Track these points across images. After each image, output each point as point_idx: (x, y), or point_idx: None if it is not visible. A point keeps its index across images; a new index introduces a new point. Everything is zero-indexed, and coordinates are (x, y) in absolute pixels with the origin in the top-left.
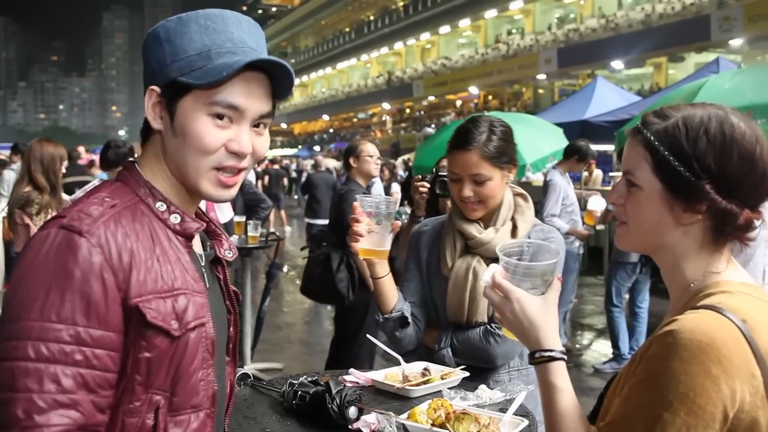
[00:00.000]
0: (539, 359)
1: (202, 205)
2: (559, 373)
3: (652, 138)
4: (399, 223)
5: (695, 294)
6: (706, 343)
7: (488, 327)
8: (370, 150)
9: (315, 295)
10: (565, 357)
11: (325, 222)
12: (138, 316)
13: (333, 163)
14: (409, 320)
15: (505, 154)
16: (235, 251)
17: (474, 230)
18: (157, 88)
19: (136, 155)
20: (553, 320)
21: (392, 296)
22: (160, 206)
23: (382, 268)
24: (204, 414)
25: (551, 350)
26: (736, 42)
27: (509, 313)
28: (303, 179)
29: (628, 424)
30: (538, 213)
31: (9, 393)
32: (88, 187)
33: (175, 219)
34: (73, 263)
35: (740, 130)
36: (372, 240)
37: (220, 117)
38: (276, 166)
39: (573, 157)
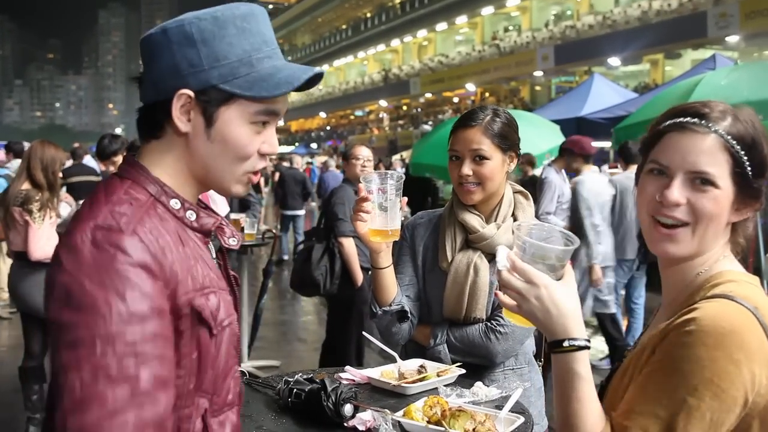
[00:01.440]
0: (569, 348)
1: None
2: (585, 362)
3: (730, 138)
4: (406, 199)
5: (703, 284)
6: (728, 330)
7: (489, 324)
8: (356, 153)
9: (297, 287)
10: (590, 345)
11: (295, 213)
12: (191, 313)
13: (323, 159)
14: (409, 315)
15: (508, 139)
16: (239, 237)
17: (476, 223)
18: (189, 92)
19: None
20: (579, 307)
21: (392, 289)
22: (174, 204)
23: (386, 258)
24: (236, 410)
25: (578, 339)
26: (733, 38)
27: (534, 300)
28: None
29: (650, 411)
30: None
31: (98, 397)
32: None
33: (191, 216)
34: (122, 260)
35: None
36: (380, 220)
37: (261, 123)
38: (285, 164)
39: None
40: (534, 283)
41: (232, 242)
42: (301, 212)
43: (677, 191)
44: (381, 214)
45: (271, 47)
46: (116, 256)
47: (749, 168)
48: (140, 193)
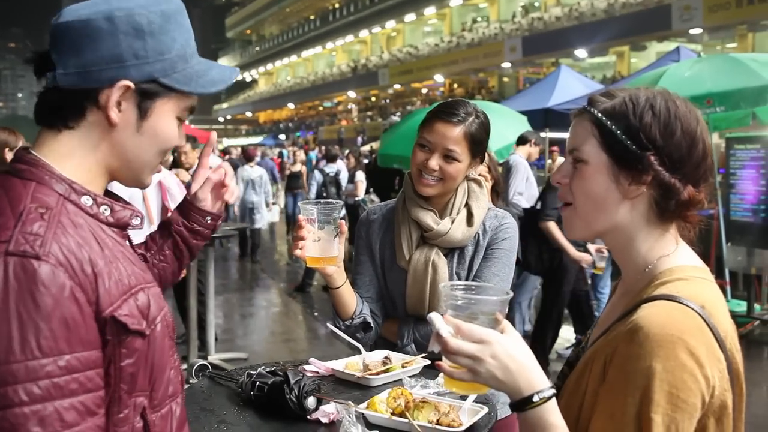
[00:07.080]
0: (540, 402)
1: (155, 195)
2: (556, 410)
3: (600, 115)
4: (343, 222)
5: (650, 281)
6: (677, 337)
7: None
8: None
9: None
10: (555, 390)
11: None
12: (115, 326)
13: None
14: (372, 325)
15: (480, 145)
16: (143, 217)
17: (431, 220)
18: (130, 83)
19: (20, 143)
20: (532, 355)
21: (351, 302)
22: (86, 201)
23: (339, 278)
24: (180, 399)
25: (544, 389)
26: (696, 31)
27: (491, 359)
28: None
29: None
30: (503, 194)
31: None
32: None
33: (105, 211)
34: (41, 291)
35: (682, 108)
36: (318, 247)
37: (179, 119)
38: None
39: (528, 143)
40: (486, 341)
41: (135, 221)
42: None
43: (557, 173)
44: (319, 242)
45: (194, 43)
46: (35, 292)
47: (624, 138)
48: (48, 195)
